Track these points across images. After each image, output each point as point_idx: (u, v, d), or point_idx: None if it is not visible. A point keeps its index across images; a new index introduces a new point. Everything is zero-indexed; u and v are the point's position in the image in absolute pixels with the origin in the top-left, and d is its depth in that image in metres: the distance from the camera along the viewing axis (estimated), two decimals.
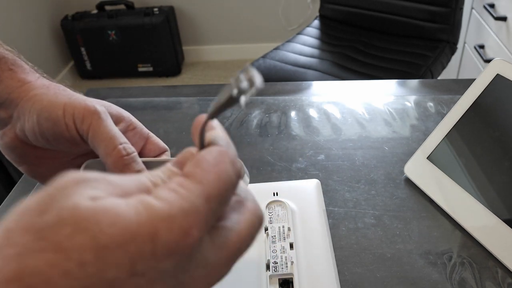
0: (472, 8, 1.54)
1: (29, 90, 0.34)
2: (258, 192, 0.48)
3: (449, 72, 1.73)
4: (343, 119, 0.64)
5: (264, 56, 1.50)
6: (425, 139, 0.53)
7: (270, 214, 0.45)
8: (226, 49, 2.60)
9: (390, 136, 0.60)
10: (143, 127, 0.38)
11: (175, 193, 0.18)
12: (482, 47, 1.43)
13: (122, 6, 2.39)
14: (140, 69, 2.47)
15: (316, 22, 1.70)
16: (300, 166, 0.56)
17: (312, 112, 0.66)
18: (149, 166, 0.35)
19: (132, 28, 2.32)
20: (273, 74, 1.41)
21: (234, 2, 2.43)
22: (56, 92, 0.34)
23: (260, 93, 0.72)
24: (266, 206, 0.46)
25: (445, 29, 1.47)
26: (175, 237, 0.17)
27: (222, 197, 0.19)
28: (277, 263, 0.40)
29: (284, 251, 0.41)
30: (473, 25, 1.54)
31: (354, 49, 1.51)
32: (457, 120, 0.50)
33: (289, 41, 1.59)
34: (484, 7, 1.38)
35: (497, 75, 0.47)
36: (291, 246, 0.42)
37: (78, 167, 0.37)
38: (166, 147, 0.39)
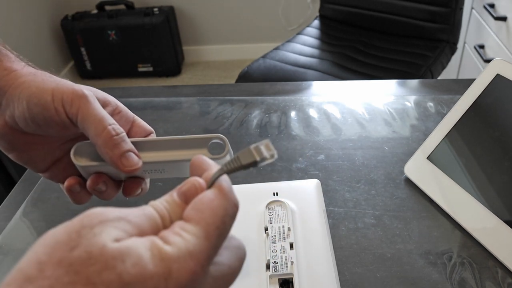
0: (472, 8, 1.54)
1: (16, 78, 0.34)
2: (258, 192, 0.48)
3: (449, 72, 1.73)
4: (343, 119, 0.64)
5: (264, 56, 1.50)
6: (425, 139, 0.53)
7: (270, 214, 0.45)
8: (226, 49, 2.60)
9: (390, 136, 0.60)
10: (129, 111, 0.39)
11: (179, 237, 0.21)
12: (482, 47, 1.43)
13: (122, 6, 2.38)
14: (140, 69, 2.47)
15: (316, 22, 1.70)
16: (300, 166, 0.56)
17: (312, 112, 0.66)
18: (137, 145, 0.36)
19: (132, 28, 2.32)
20: (273, 74, 1.41)
21: (234, 2, 2.43)
22: (43, 78, 0.35)
23: (260, 93, 0.72)
24: (266, 206, 0.46)
25: (445, 29, 1.47)
26: (185, 275, 0.20)
27: (220, 230, 0.22)
28: (277, 263, 0.40)
29: (284, 251, 0.41)
30: (473, 25, 1.54)
31: (354, 49, 1.51)
32: (457, 120, 0.50)
33: (289, 41, 1.59)
34: (484, 7, 1.38)
35: (497, 75, 0.47)
36: (291, 246, 0.42)
37: (67, 152, 0.37)
38: (151, 128, 0.40)
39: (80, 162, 0.36)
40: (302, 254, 0.41)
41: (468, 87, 0.50)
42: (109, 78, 2.53)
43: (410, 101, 0.67)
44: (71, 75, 2.51)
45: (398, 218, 0.48)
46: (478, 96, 0.49)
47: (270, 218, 0.45)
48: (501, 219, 0.43)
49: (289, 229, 0.43)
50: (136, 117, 0.39)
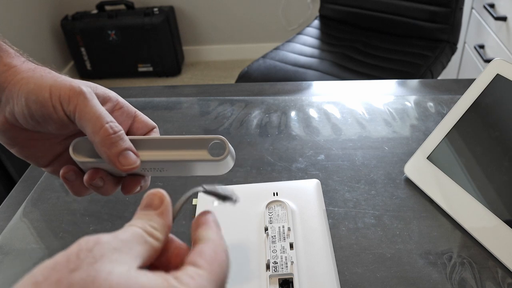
0: (472, 8, 1.54)
1: (16, 74, 0.34)
2: (258, 192, 0.49)
3: (449, 72, 1.73)
4: (343, 119, 0.64)
5: (264, 56, 1.50)
6: (425, 139, 0.53)
7: (270, 214, 0.45)
8: (226, 49, 2.60)
9: (390, 136, 0.60)
10: (130, 106, 0.38)
11: (194, 280, 0.22)
12: (482, 47, 1.43)
13: (122, 6, 2.39)
14: (140, 69, 2.47)
15: (316, 22, 1.70)
16: (300, 166, 0.56)
17: (312, 112, 0.66)
18: (136, 144, 0.35)
19: (132, 28, 2.32)
20: (273, 74, 1.41)
21: (234, 2, 2.43)
22: (42, 74, 0.34)
23: (260, 93, 0.72)
24: (266, 206, 0.46)
25: (445, 29, 1.47)
26: None
27: (223, 282, 0.24)
28: (277, 263, 0.40)
29: (284, 251, 0.41)
30: (473, 25, 1.54)
31: (354, 49, 1.51)
32: (457, 120, 0.50)
33: (289, 41, 1.59)
34: (484, 7, 1.38)
35: (497, 75, 0.47)
36: (291, 246, 0.42)
37: (68, 147, 0.37)
38: (154, 124, 0.39)
39: (79, 158, 0.36)
40: (302, 254, 0.41)
41: (468, 87, 0.50)
42: (109, 78, 2.54)
43: (410, 101, 0.67)
44: (71, 75, 2.50)
45: (398, 218, 0.48)
46: (478, 96, 0.49)
47: (270, 218, 0.45)
48: (501, 219, 0.43)
49: (289, 229, 0.43)
50: (138, 112, 0.39)
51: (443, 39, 1.48)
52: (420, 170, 0.51)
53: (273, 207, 0.46)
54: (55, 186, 0.56)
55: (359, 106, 0.67)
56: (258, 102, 0.70)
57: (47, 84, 0.33)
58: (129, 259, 0.21)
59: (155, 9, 2.33)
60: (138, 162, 0.34)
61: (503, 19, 1.28)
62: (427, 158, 0.51)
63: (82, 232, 0.49)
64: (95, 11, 2.39)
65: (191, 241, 0.26)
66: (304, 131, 0.62)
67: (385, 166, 0.55)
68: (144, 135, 0.39)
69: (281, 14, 2.44)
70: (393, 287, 0.41)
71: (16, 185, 0.58)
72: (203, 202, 0.49)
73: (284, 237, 0.42)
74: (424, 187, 0.50)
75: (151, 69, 2.46)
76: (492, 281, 0.41)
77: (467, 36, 1.60)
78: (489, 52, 1.40)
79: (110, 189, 0.37)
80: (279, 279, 0.39)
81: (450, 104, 0.65)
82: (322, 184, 0.52)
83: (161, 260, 0.25)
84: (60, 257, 0.20)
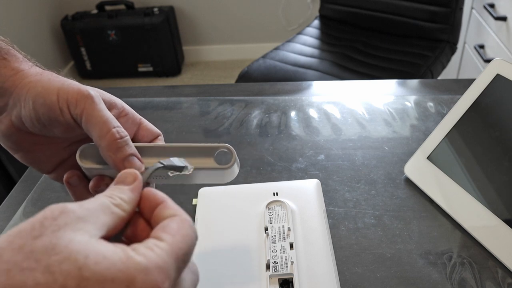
0: (472, 8, 1.54)
1: (23, 78, 0.34)
2: (258, 192, 0.49)
3: (449, 72, 1.73)
4: (343, 119, 0.64)
5: (264, 56, 1.50)
6: (425, 139, 0.53)
7: (270, 214, 0.45)
8: (226, 49, 2.60)
9: (390, 136, 0.60)
10: (135, 113, 0.38)
11: (151, 251, 0.22)
12: (482, 47, 1.43)
13: (122, 6, 2.39)
14: (140, 69, 2.47)
15: (316, 22, 1.70)
16: (300, 166, 0.56)
17: (312, 112, 0.66)
18: (141, 150, 0.35)
19: (132, 28, 2.32)
20: (273, 74, 1.41)
21: (234, 2, 2.43)
22: (49, 78, 0.34)
23: (260, 93, 0.72)
24: (266, 206, 0.46)
25: (445, 29, 1.47)
26: (148, 287, 0.20)
27: (186, 256, 0.24)
28: (277, 263, 0.40)
29: (284, 251, 0.41)
30: (473, 25, 1.54)
31: (354, 49, 1.51)
32: (457, 120, 0.50)
33: (289, 41, 1.59)
34: (484, 7, 1.38)
35: (497, 75, 0.48)
36: (291, 246, 0.42)
37: (73, 153, 0.37)
38: (159, 131, 0.39)
39: (85, 164, 0.36)
40: (302, 254, 0.41)
41: (468, 87, 0.50)
42: (109, 78, 2.53)
43: (410, 101, 0.67)
44: (71, 75, 2.51)
45: (398, 218, 0.48)
46: (478, 96, 0.49)
47: (270, 218, 0.45)
48: (501, 219, 0.43)
49: (289, 229, 0.43)
50: (143, 119, 0.39)
51: (443, 39, 1.48)
52: (420, 170, 0.51)
53: (273, 207, 0.46)
54: (55, 186, 0.56)
55: (359, 106, 0.67)
56: (258, 102, 0.70)
57: (54, 87, 0.33)
58: (92, 228, 0.22)
59: (155, 9, 2.33)
60: (143, 168, 0.34)
61: (503, 19, 1.28)
62: (427, 158, 0.51)
63: None
64: (95, 11, 2.39)
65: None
66: (304, 131, 0.62)
67: (385, 166, 0.55)
68: (149, 142, 0.39)
69: (281, 14, 2.44)
70: (393, 287, 0.41)
71: (16, 185, 0.58)
72: (203, 201, 0.49)
73: (284, 237, 0.42)
74: (424, 187, 0.50)
75: (151, 69, 2.46)
76: (492, 281, 0.41)
77: (467, 36, 1.60)
78: (489, 52, 1.40)
79: None
80: (279, 279, 0.39)
81: (450, 104, 0.65)
82: (322, 184, 0.52)
83: (127, 234, 0.26)
84: (25, 224, 0.21)
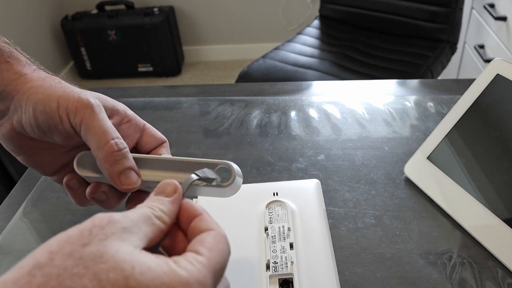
0: (472, 8, 1.54)
1: (25, 83, 0.34)
2: (258, 192, 0.48)
3: (449, 72, 1.73)
4: (343, 119, 0.64)
5: (264, 56, 1.50)
6: (425, 139, 0.53)
7: (270, 214, 0.45)
8: (226, 49, 2.60)
9: (390, 136, 0.60)
10: (139, 119, 0.38)
11: (192, 265, 0.23)
12: (482, 47, 1.43)
13: (122, 6, 2.39)
14: (140, 69, 2.47)
15: (316, 22, 1.70)
16: (300, 166, 0.56)
17: (312, 112, 0.66)
18: (139, 162, 0.35)
19: (132, 28, 2.32)
20: (273, 74, 1.41)
21: (234, 2, 2.43)
22: (51, 84, 0.34)
23: (260, 93, 0.72)
24: (266, 206, 0.46)
25: (445, 29, 1.47)
26: None
27: (222, 270, 0.25)
28: (277, 263, 0.40)
29: (284, 251, 0.41)
30: (473, 25, 1.54)
31: (354, 49, 1.51)
32: (457, 120, 0.50)
33: (289, 41, 1.59)
34: (484, 7, 1.38)
35: (497, 75, 0.47)
36: (291, 246, 0.42)
37: (74, 157, 0.37)
38: (164, 138, 0.39)
39: (82, 172, 0.36)
40: (302, 254, 0.41)
41: (468, 87, 0.50)
42: (109, 78, 2.53)
43: (410, 101, 0.67)
44: (71, 75, 2.51)
45: (398, 218, 0.48)
46: (478, 96, 0.49)
47: (270, 218, 0.45)
48: (501, 219, 0.43)
49: (289, 229, 0.43)
50: (148, 125, 0.38)
51: (443, 39, 1.48)
52: (420, 170, 0.51)
53: (273, 207, 0.46)
54: (55, 186, 0.56)
55: (359, 106, 0.67)
56: (258, 102, 0.70)
57: (55, 94, 0.33)
58: (136, 239, 0.23)
59: (155, 9, 2.33)
60: (139, 183, 0.34)
61: (503, 19, 1.28)
62: (427, 158, 0.51)
63: None
64: (95, 11, 2.39)
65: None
66: (304, 131, 0.62)
67: (385, 166, 0.55)
68: (153, 149, 0.38)
69: (281, 14, 2.44)
70: (393, 287, 0.41)
71: (16, 185, 0.58)
72: (203, 201, 0.49)
73: (284, 237, 0.42)
74: (424, 187, 0.50)
75: (151, 69, 2.46)
76: (492, 281, 0.41)
77: (467, 36, 1.60)
78: (489, 52, 1.40)
79: (113, 203, 0.37)
80: (279, 279, 0.39)
81: (450, 104, 0.65)
82: (322, 184, 0.52)
83: (164, 245, 0.27)
84: (74, 230, 0.22)
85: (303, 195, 0.48)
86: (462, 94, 0.50)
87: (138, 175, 0.34)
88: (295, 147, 0.60)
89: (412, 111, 0.65)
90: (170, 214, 0.26)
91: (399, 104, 0.67)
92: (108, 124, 0.33)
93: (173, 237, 0.27)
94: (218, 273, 0.24)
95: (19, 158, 0.37)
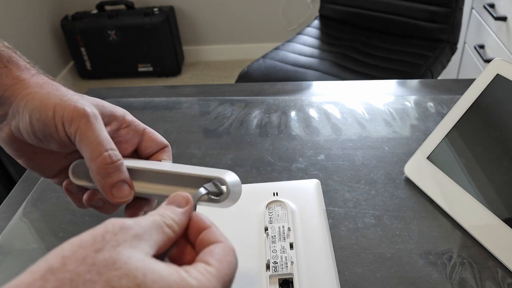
0: (472, 8, 1.54)
1: (23, 89, 0.34)
2: (258, 192, 0.48)
3: (449, 72, 1.73)
4: (343, 119, 0.64)
5: (264, 56, 1.50)
6: (425, 139, 0.53)
7: (270, 214, 0.45)
8: (226, 49, 2.60)
9: (390, 136, 0.60)
10: (139, 123, 0.37)
11: (202, 275, 0.23)
12: (482, 47, 1.43)
13: (122, 6, 2.39)
14: (140, 69, 2.47)
15: (316, 22, 1.70)
16: (300, 166, 0.56)
17: (312, 112, 0.66)
18: (134, 173, 0.34)
19: (132, 28, 2.32)
20: (273, 74, 1.41)
21: (234, 2, 2.43)
22: (48, 91, 0.33)
23: (260, 93, 0.72)
24: (266, 206, 0.46)
25: (445, 29, 1.47)
26: None
27: (230, 282, 0.25)
28: (277, 263, 0.40)
29: (284, 251, 0.41)
30: (473, 25, 1.54)
31: (354, 49, 1.51)
32: (457, 120, 0.50)
33: (289, 41, 1.59)
34: (484, 7, 1.38)
35: (497, 75, 0.48)
36: (291, 246, 0.42)
37: (73, 161, 0.37)
38: (165, 142, 0.38)
39: (77, 181, 0.35)
40: (302, 254, 0.41)
41: (468, 87, 0.50)
42: (109, 78, 2.53)
43: (410, 101, 0.67)
44: (71, 75, 2.51)
45: (398, 218, 0.48)
46: (478, 96, 0.49)
47: (270, 218, 0.45)
48: (501, 219, 0.43)
49: (289, 229, 0.43)
50: (148, 129, 0.38)
51: (443, 39, 1.48)
52: (420, 170, 0.51)
53: (273, 207, 0.46)
54: (55, 186, 0.56)
55: (359, 106, 0.67)
56: (258, 102, 0.70)
57: (52, 102, 0.33)
58: (147, 246, 0.23)
59: (155, 9, 2.33)
60: (131, 195, 0.34)
61: (503, 19, 1.28)
62: (427, 158, 0.51)
63: (82, 232, 0.49)
64: (95, 11, 2.39)
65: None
66: (304, 131, 0.62)
67: (385, 166, 0.55)
68: (154, 153, 0.38)
69: (281, 14, 2.44)
70: (393, 287, 0.41)
71: (16, 185, 0.58)
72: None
73: (284, 237, 0.42)
74: (424, 187, 0.50)
75: (151, 69, 2.46)
76: (492, 281, 0.41)
77: (467, 36, 1.60)
78: (489, 52, 1.40)
79: (111, 210, 0.37)
80: (279, 279, 0.39)
81: (450, 104, 0.65)
82: (322, 184, 0.52)
83: (171, 254, 0.27)
84: (86, 235, 0.22)
85: (303, 195, 0.48)
86: (462, 94, 0.50)
87: (131, 187, 0.34)
88: (295, 147, 0.60)
89: (412, 111, 0.65)
90: (181, 224, 0.27)
91: (399, 104, 0.67)
92: (104, 134, 0.33)
93: (180, 248, 0.27)
94: (227, 284, 0.24)
95: (19, 161, 0.37)
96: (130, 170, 0.34)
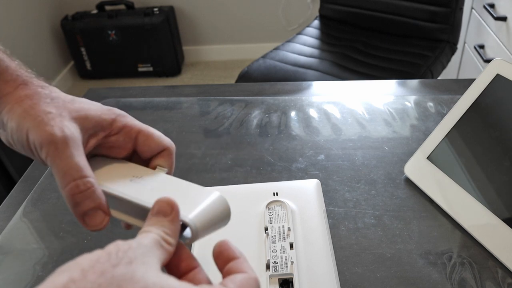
0: (472, 8, 1.54)
1: (6, 104, 0.33)
2: (258, 192, 0.49)
3: (449, 72, 1.73)
4: (343, 119, 0.64)
5: (264, 56, 1.50)
6: (425, 139, 0.53)
7: (270, 214, 0.45)
8: (226, 49, 2.60)
9: (390, 136, 0.60)
10: (133, 127, 0.35)
11: None
12: (482, 47, 1.43)
13: (122, 6, 2.38)
14: (140, 69, 2.47)
15: (316, 22, 1.70)
16: (300, 166, 0.56)
17: (312, 112, 0.66)
18: (112, 199, 0.32)
19: (132, 28, 2.32)
20: (273, 74, 1.41)
21: (234, 2, 2.42)
22: (25, 109, 0.32)
23: (260, 93, 0.72)
24: (266, 206, 0.46)
25: (445, 29, 1.47)
26: None
27: None
28: (277, 263, 0.40)
29: (284, 251, 0.41)
30: (473, 25, 1.54)
31: (354, 49, 1.51)
32: (457, 120, 0.50)
33: (289, 41, 1.59)
34: (484, 7, 1.38)
35: (497, 75, 0.47)
36: (291, 246, 0.42)
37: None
38: (165, 145, 0.36)
39: None
40: (302, 254, 0.41)
41: (468, 87, 0.50)
42: (109, 78, 2.53)
43: (410, 101, 0.67)
44: (71, 75, 2.51)
45: (398, 218, 0.48)
46: (478, 96, 0.49)
47: (270, 218, 0.45)
48: (501, 219, 0.43)
49: (289, 229, 0.43)
50: (144, 132, 0.36)
51: (443, 39, 1.48)
52: (420, 170, 0.51)
53: (273, 207, 0.46)
54: (55, 186, 0.56)
55: (359, 106, 0.67)
56: (258, 102, 0.70)
57: (25, 126, 0.31)
58: (154, 263, 0.24)
59: (155, 9, 2.33)
60: (105, 222, 0.32)
61: (503, 19, 1.28)
62: (427, 158, 0.51)
63: (82, 232, 0.49)
64: (95, 11, 2.39)
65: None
66: (304, 131, 0.62)
67: (385, 166, 0.55)
68: (155, 156, 0.36)
69: (281, 14, 2.44)
70: (393, 287, 0.41)
71: (16, 185, 0.58)
72: None
73: (284, 237, 0.42)
74: (424, 187, 0.50)
75: (151, 69, 2.46)
76: (492, 281, 0.41)
77: (467, 36, 1.60)
78: (489, 52, 1.40)
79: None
80: (279, 279, 0.39)
81: (450, 104, 0.65)
82: (322, 184, 0.52)
83: (170, 264, 0.27)
84: (100, 252, 0.22)
85: (303, 195, 0.48)
86: (462, 94, 0.50)
87: (106, 213, 0.32)
88: (295, 147, 0.60)
89: (412, 111, 0.65)
90: (173, 235, 0.27)
91: (399, 104, 0.67)
92: (74, 161, 0.31)
93: (175, 256, 0.27)
94: None
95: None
96: (108, 195, 0.32)
